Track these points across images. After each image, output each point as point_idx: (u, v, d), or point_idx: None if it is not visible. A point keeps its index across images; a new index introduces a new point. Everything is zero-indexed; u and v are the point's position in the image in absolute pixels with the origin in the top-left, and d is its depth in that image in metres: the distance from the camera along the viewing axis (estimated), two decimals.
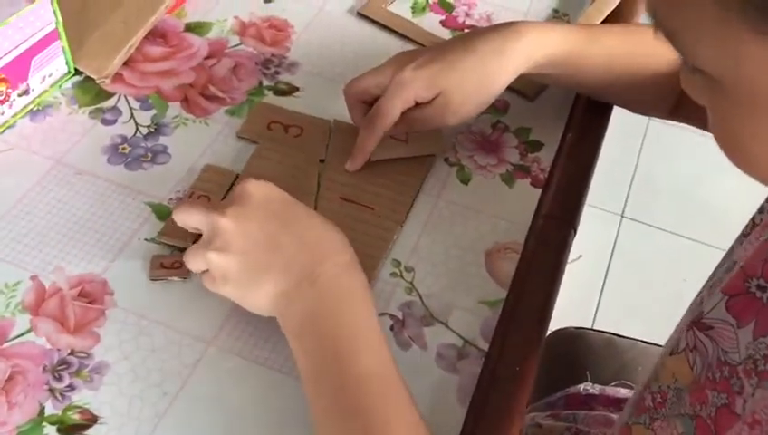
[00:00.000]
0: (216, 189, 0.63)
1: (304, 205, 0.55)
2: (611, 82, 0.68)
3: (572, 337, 0.90)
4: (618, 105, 0.74)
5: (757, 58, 0.34)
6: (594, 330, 0.92)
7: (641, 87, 0.68)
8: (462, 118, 0.64)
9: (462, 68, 0.62)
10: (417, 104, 0.63)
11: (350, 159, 0.65)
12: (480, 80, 0.62)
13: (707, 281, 0.53)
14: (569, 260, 0.64)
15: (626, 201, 1.82)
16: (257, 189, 0.53)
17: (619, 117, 0.75)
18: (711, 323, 0.47)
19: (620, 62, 0.66)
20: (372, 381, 0.48)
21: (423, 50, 0.66)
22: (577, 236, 0.66)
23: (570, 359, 0.87)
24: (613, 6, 0.81)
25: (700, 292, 0.53)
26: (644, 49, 0.66)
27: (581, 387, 0.80)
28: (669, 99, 0.69)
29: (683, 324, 0.52)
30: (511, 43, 0.62)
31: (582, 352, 0.88)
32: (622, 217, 1.79)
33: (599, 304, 1.62)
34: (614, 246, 1.73)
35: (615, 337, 0.90)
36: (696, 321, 0.49)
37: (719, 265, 0.53)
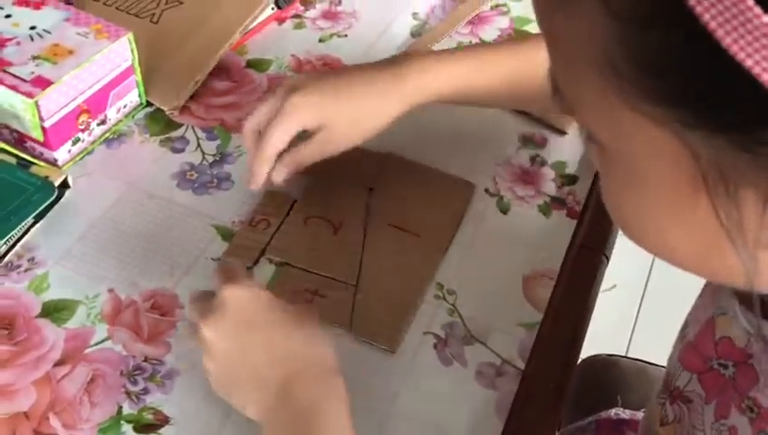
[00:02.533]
0: (275, 213, 0.69)
1: (282, 307, 0.53)
2: (500, 102, 0.73)
3: (605, 364, 0.92)
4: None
5: (634, 134, 0.31)
6: (626, 357, 0.94)
7: (528, 101, 0.74)
8: (344, 148, 0.65)
9: (344, 104, 0.64)
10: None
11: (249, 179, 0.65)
12: (360, 118, 0.64)
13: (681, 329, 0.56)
14: (604, 289, 0.68)
15: None
16: (233, 298, 0.51)
17: None
18: (690, 396, 0.50)
19: (502, 88, 0.68)
20: None
21: (314, 76, 0.67)
22: (612, 266, 0.69)
23: (602, 385, 0.88)
24: None
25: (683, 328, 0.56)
26: (527, 70, 0.66)
27: (613, 412, 0.82)
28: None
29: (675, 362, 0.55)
30: (392, 86, 0.64)
31: (614, 379, 0.89)
32: None
33: (632, 332, 1.63)
34: (648, 276, 1.75)
35: (647, 365, 0.91)
36: (678, 394, 0.51)
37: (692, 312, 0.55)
